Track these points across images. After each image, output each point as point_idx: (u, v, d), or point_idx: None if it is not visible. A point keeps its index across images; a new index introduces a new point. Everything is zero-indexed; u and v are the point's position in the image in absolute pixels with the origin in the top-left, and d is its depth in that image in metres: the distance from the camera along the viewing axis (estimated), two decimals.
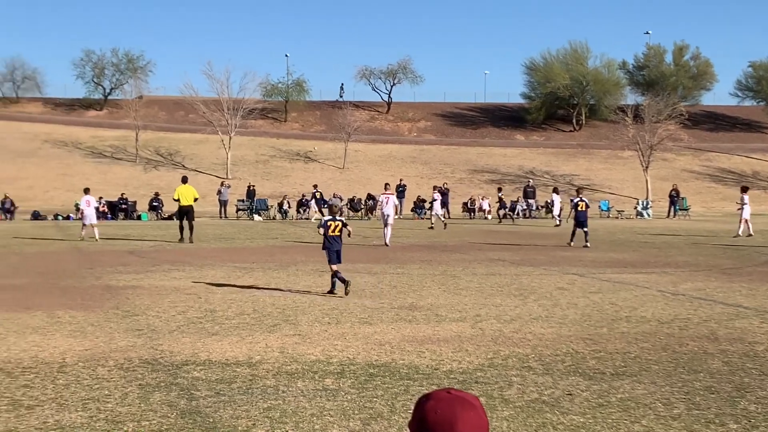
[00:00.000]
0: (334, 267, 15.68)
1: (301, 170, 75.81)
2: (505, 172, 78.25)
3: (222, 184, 54.31)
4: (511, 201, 56.37)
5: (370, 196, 53.61)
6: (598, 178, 76.90)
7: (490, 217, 49.07)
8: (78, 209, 31.93)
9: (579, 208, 27.70)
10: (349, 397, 7.97)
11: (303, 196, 52.35)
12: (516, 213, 53.73)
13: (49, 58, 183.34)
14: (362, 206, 53.54)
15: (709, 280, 17.94)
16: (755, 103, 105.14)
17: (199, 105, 76.88)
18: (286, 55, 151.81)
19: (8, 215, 48.50)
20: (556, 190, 46.76)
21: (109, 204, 50.57)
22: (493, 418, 7.13)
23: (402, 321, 12.42)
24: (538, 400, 7.91)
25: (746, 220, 32.58)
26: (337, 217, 16.24)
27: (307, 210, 49.76)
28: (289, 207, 51.58)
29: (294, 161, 79.18)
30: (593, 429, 7.05)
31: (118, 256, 23.68)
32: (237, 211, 52.53)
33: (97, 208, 36.23)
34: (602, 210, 55.25)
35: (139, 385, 8.49)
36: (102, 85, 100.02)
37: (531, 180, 61.44)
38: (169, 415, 7.40)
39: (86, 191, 32.41)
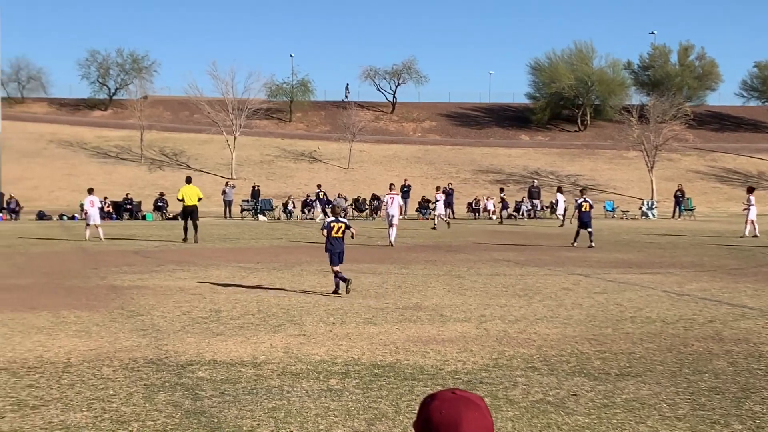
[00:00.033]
0: (335, 268, 15.72)
1: (305, 170, 75.83)
2: (509, 172, 78.21)
3: (227, 185, 54.32)
4: (516, 201, 56.37)
5: (374, 197, 53.60)
6: (603, 178, 76.81)
7: (494, 217, 49.02)
8: (83, 209, 31.98)
9: (583, 209, 27.68)
10: (353, 398, 7.97)
11: (308, 196, 52.35)
12: (521, 213, 53.75)
13: (54, 59, 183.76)
14: (367, 206, 53.54)
15: (714, 280, 17.92)
16: (760, 104, 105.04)
17: (203, 105, 76.93)
18: (291, 56, 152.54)
19: (13, 215, 48.59)
20: (560, 190, 46.73)
21: (114, 204, 50.66)
22: (497, 419, 7.13)
23: (406, 321, 12.42)
24: (542, 400, 7.91)
25: (752, 221, 32.53)
26: (341, 219, 16.28)
27: (312, 210, 49.77)
28: (294, 207, 51.60)
29: (298, 161, 79.19)
30: (598, 429, 7.04)
31: (122, 256, 23.70)
32: (242, 212, 52.59)
33: (101, 209, 36.31)
34: (607, 210, 55.19)
35: (144, 385, 8.49)
36: (107, 85, 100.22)
37: (536, 180, 61.44)
38: (173, 415, 7.41)
39: (90, 191, 32.48)
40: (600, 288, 16.45)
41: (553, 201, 46.37)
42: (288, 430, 7.00)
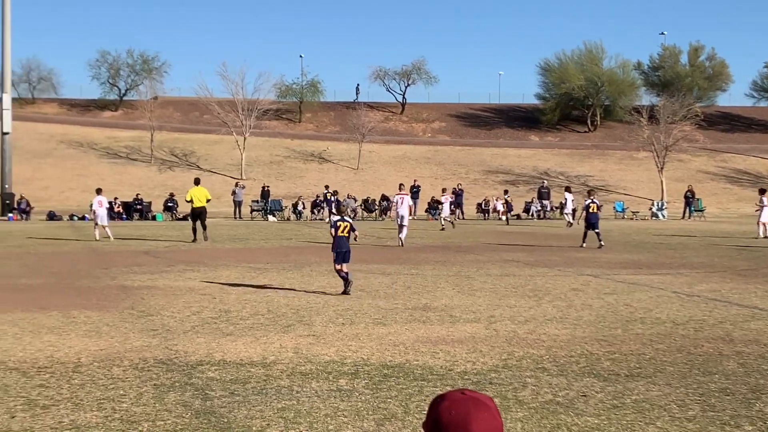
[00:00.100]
0: (337, 267, 15.79)
1: (315, 171, 75.87)
2: (519, 173, 78.13)
3: (236, 185, 54.39)
4: (525, 202, 56.32)
5: (384, 197, 53.58)
6: (613, 179, 76.65)
7: (504, 218, 48.93)
8: (92, 209, 32.11)
9: (590, 210, 27.65)
10: (363, 398, 7.98)
11: (317, 196, 52.36)
12: (530, 214, 53.68)
13: (64, 60, 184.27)
14: (376, 207, 53.54)
15: (725, 281, 17.87)
16: None
17: (213, 106, 77.02)
18: (301, 56, 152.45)
19: (24, 215, 48.73)
20: (568, 189, 46.63)
21: (125, 204, 50.78)
22: (507, 419, 7.12)
23: (416, 322, 12.42)
24: (552, 401, 7.90)
25: (764, 223, 32.41)
26: (346, 218, 16.36)
27: (322, 211, 49.78)
28: (304, 208, 51.61)
29: (308, 162, 79.24)
30: (608, 430, 7.04)
31: (133, 257, 23.75)
32: (251, 212, 52.64)
33: (110, 209, 36.39)
34: (617, 211, 55.08)
35: (154, 385, 8.51)
36: (117, 86, 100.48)
37: (545, 181, 61.33)
38: (183, 415, 7.42)
39: (98, 191, 32.62)
40: (610, 289, 16.43)
41: (563, 201, 46.25)
42: (297, 430, 7.01)
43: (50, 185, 65.48)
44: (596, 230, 27.31)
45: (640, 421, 7.27)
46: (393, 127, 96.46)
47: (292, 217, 51.26)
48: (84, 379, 8.80)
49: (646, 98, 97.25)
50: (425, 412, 2.75)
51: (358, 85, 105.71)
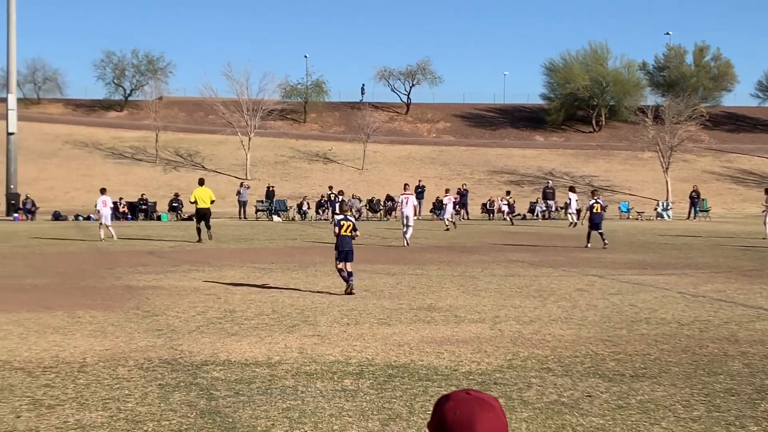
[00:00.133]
0: (339, 265, 15.82)
1: (320, 171, 75.90)
2: (524, 173, 78.08)
3: (241, 185, 54.44)
4: (530, 202, 56.28)
5: (389, 197, 53.60)
6: (618, 179, 76.59)
7: (507, 218, 48.89)
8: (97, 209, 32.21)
9: (594, 210, 27.64)
10: (368, 398, 7.98)
11: (322, 197, 52.37)
12: (535, 214, 53.66)
13: (69, 60, 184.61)
14: (381, 207, 53.55)
15: (730, 281, 17.85)
16: None
17: (218, 106, 77.07)
18: (305, 56, 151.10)
19: (29, 216, 48.81)
20: (572, 189, 46.59)
21: (130, 204, 50.84)
22: (512, 420, 7.12)
23: (421, 322, 12.42)
24: (557, 401, 7.90)
25: None
26: (349, 217, 16.40)
27: (327, 211, 49.78)
28: (309, 208, 51.63)
29: (313, 162, 79.28)
30: (612, 431, 7.03)
31: (138, 257, 23.78)
32: (256, 212, 52.67)
33: (115, 209, 36.42)
34: (622, 211, 55.06)
35: (159, 385, 8.52)
36: (122, 86, 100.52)
37: (550, 181, 61.28)
38: (188, 415, 7.43)
39: (103, 191, 32.72)
40: (615, 289, 16.41)
41: (567, 201, 46.21)
42: (302, 430, 7.01)
43: (55, 185, 65.59)
44: (599, 231, 27.29)
45: (645, 422, 7.26)
46: (398, 128, 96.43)
47: (297, 217, 51.29)
48: (89, 378, 8.81)
49: (651, 98, 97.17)
50: (430, 412, 2.75)
51: (363, 85, 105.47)
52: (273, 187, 56.83)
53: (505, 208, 49.32)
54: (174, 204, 51.15)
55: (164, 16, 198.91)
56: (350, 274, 15.72)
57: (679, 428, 7.11)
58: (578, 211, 43.47)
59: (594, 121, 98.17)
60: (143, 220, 49.60)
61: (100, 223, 31.40)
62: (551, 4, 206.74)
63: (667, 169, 66.73)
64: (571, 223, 42.16)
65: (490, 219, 52.76)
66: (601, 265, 21.51)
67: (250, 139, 73.98)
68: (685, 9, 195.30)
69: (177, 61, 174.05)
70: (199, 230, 29.83)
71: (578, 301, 14.71)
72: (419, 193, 51.53)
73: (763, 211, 33.56)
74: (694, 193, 54.61)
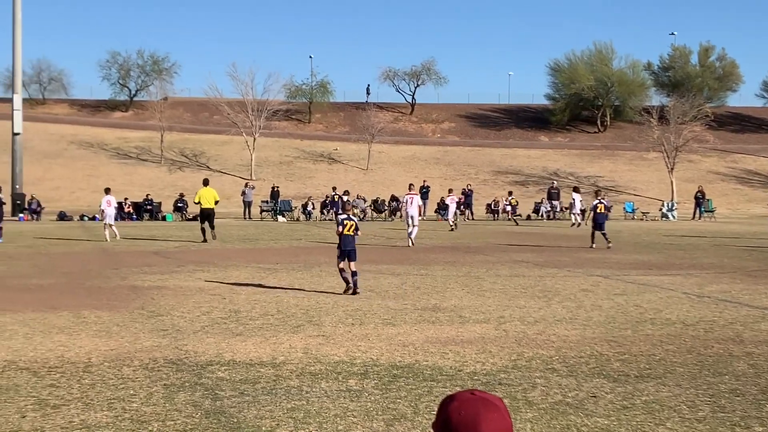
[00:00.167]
0: (341, 265, 15.85)
1: (325, 171, 75.92)
2: (528, 173, 78.05)
3: (246, 185, 54.46)
4: (535, 202, 56.23)
5: (393, 198, 53.60)
6: (623, 179, 76.52)
7: (514, 219, 48.82)
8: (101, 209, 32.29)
9: (598, 210, 27.63)
10: (372, 398, 7.99)
11: (327, 197, 52.38)
12: (540, 214, 53.62)
13: (75, 60, 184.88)
14: (386, 207, 53.55)
15: (735, 282, 17.82)
16: None
17: (223, 106, 77.14)
18: (310, 57, 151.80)
19: (35, 216, 48.88)
20: (576, 190, 46.52)
21: (135, 205, 50.91)
22: (516, 420, 7.12)
23: (425, 322, 12.42)
24: (562, 402, 7.90)
25: None
26: (352, 216, 16.48)
27: (331, 211, 49.77)
28: (313, 208, 51.65)
29: (318, 162, 79.30)
30: (617, 431, 7.03)
31: (143, 257, 23.81)
32: (261, 212, 52.70)
33: (120, 209, 36.45)
34: (627, 212, 54.99)
35: (164, 385, 8.53)
36: (127, 87, 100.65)
37: (555, 181, 61.24)
38: (193, 414, 7.44)
39: (107, 191, 32.80)
40: (620, 289, 16.40)
41: (571, 201, 46.12)
42: (307, 430, 7.02)
43: (61, 185, 65.69)
44: (602, 231, 27.27)
45: (650, 422, 7.26)
46: (402, 128, 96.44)
47: (302, 217, 51.29)
48: (94, 378, 8.83)
49: (656, 99, 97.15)
50: (435, 413, 2.76)
51: (368, 85, 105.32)
52: (278, 187, 56.83)
53: (509, 209, 49.30)
54: (179, 204, 51.19)
55: (169, 16, 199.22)
56: (354, 273, 15.74)
57: (684, 429, 7.11)
58: (583, 211, 43.41)
59: (599, 122, 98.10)
60: (148, 220, 49.66)
61: (105, 224, 31.45)
62: (556, 4, 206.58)
63: (672, 169, 66.68)
64: (574, 223, 42.12)
65: (494, 219, 52.72)
66: (606, 265, 21.49)
67: (254, 139, 74.03)
68: (689, 9, 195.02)
69: (182, 61, 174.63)
70: (203, 230, 29.87)
71: (583, 301, 14.70)
72: (424, 193, 51.46)
73: None
74: (699, 194, 54.54)
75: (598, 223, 27.46)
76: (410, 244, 28.11)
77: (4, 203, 31.17)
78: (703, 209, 53.79)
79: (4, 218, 30.30)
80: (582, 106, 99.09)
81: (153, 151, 78.44)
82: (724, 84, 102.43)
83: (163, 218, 50.38)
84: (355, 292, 15.47)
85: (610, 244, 26.85)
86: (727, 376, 8.97)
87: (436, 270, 20.26)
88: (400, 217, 48.16)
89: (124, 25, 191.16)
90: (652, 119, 68.81)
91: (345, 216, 16.45)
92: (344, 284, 15.74)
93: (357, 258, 16.11)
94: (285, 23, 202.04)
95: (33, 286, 16.88)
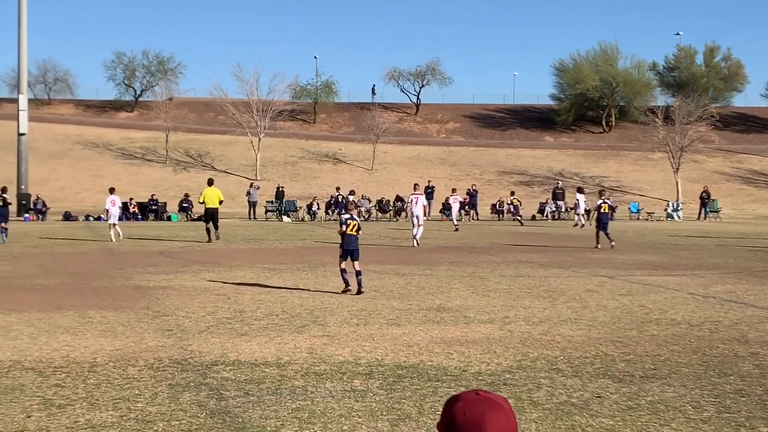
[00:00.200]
0: (343, 265, 15.90)
1: (329, 171, 75.94)
2: (533, 173, 77.99)
3: (251, 186, 54.52)
4: (540, 203, 56.19)
5: (398, 198, 53.61)
6: (628, 179, 76.44)
7: (518, 219, 48.81)
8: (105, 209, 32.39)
9: (602, 210, 27.66)
10: (377, 398, 7.99)
11: (332, 197, 52.39)
12: (545, 215, 53.58)
13: (80, 61, 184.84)
14: (390, 208, 53.55)
15: (740, 282, 17.80)
16: None
17: (228, 107, 77.18)
18: (315, 57, 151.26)
19: (40, 216, 48.96)
20: (580, 190, 46.48)
21: (140, 205, 50.97)
22: (521, 420, 7.12)
23: (430, 322, 12.42)
24: (566, 402, 7.89)
25: None
26: (355, 216, 16.55)
27: (336, 211, 49.79)
28: (318, 208, 51.66)
29: (323, 162, 79.33)
30: None
31: (148, 257, 23.84)
32: (266, 213, 52.70)
33: (125, 209, 36.47)
34: (632, 212, 54.94)
35: (169, 384, 8.55)
36: (133, 87, 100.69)
37: (560, 182, 61.19)
38: (198, 414, 7.45)
39: (111, 191, 32.92)
40: (625, 290, 16.39)
41: (576, 202, 46.06)
42: (312, 430, 7.02)
43: (66, 186, 65.80)
44: (605, 231, 27.27)
45: (655, 423, 7.25)
46: (407, 128, 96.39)
47: (307, 217, 51.32)
48: (99, 378, 8.84)
49: (661, 99, 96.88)
50: (439, 413, 2.76)
51: (374, 86, 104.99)
52: (283, 187, 56.89)
53: (512, 209, 49.26)
54: (184, 204, 51.24)
55: (175, 17, 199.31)
56: (359, 273, 15.76)
57: (689, 429, 7.10)
58: (588, 211, 43.37)
59: (604, 122, 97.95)
60: (153, 220, 49.70)
61: (110, 224, 31.51)
62: (561, 4, 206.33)
63: (677, 169, 66.58)
64: (576, 223, 42.09)
65: (499, 219, 52.69)
66: (611, 265, 21.48)
67: (260, 139, 74.06)
68: (695, 9, 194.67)
69: (187, 61, 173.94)
70: (208, 230, 29.96)
71: (588, 301, 14.69)
72: (429, 193, 51.51)
73: None
74: (704, 194, 54.49)
75: (602, 222, 27.49)
76: (415, 244, 28.12)
77: (10, 203, 31.22)
78: (708, 209, 53.73)
79: (9, 219, 30.32)
80: (587, 107, 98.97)
81: (158, 151, 78.53)
82: (729, 84, 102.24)
83: (168, 218, 50.42)
84: (359, 292, 15.48)
85: (613, 243, 26.87)
86: (732, 377, 8.96)
87: (441, 270, 20.26)
88: (405, 217, 48.20)
89: (129, 25, 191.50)
90: (657, 119, 68.71)
91: (348, 216, 16.49)
92: (344, 285, 15.80)
93: (360, 257, 16.13)
94: (290, 23, 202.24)
95: (38, 286, 16.91)
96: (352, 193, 50.48)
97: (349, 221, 16.18)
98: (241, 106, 76.91)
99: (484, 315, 13.14)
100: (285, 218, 50.38)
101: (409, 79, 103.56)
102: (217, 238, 29.69)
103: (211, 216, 30.05)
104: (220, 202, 30.60)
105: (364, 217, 50.35)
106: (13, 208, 53.07)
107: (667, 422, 7.27)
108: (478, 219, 52.30)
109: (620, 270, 20.32)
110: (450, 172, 76.31)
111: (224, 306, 14.05)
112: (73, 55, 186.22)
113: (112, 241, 30.06)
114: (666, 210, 54.74)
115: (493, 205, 55.65)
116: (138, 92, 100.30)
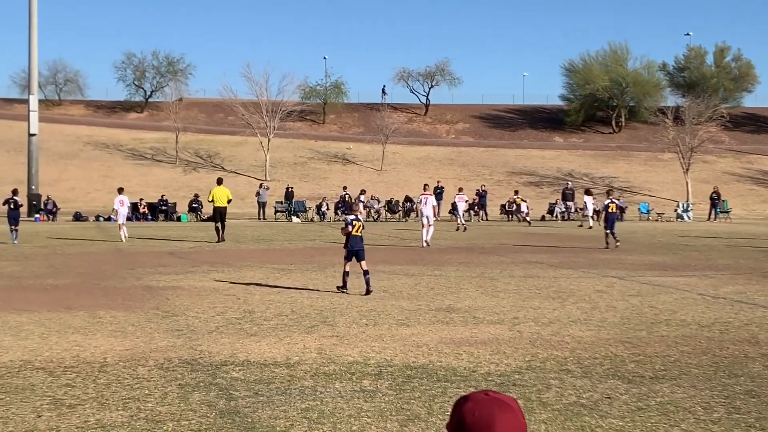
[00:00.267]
0: (347, 267, 15.92)
1: (339, 172, 75.97)
2: (543, 174, 77.90)
3: (261, 186, 54.63)
4: (549, 203, 56.13)
5: (407, 198, 53.62)
6: (638, 180, 76.30)
7: (528, 219, 48.83)
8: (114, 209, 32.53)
9: (610, 210, 27.65)
10: (386, 399, 7.99)
11: (341, 197, 52.43)
12: (554, 215, 53.52)
13: (90, 61, 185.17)
14: (400, 208, 53.56)
15: (750, 283, 17.75)
16: None
17: (238, 107, 77.29)
18: (325, 58, 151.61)
19: (50, 216, 49.12)
20: (588, 192, 46.40)
21: (150, 205, 51.10)
22: (531, 421, 7.11)
23: (439, 323, 12.42)
24: (576, 403, 7.88)
25: None
26: (359, 217, 16.61)
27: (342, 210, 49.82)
28: (327, 209, 51.71)
29: (332, 163, 79.38)
30: None
31: (158, 257, 23.88)
32: (275, 213, 52.78)
33: (134, 209, 36.54)
34: (642, 213, 54.84)
35: (179, 384, 8.56)
36: (143, 88, 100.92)
37: (570, 182, 61.10)
38: (208, 414, 7.46)
39: (120, 191, 33.07)
40: (634, 291, 16.35)
41: (584, 203, 46.02)
42: (321, 430, 7.03)
43: (76, 186, 65.98)
44: (611, 231, 27.23)
45: (665, 424, 7.24)
46: (416, 129, 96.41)
47: (316, 218, 51.38)
48: (110, 378, 8.86)
49: (671, 99, 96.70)
50: (449, 413, 2.76)
51: (384, 86, 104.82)
52: (292, 188, 56.97)
53: (525, 208, 49.18)
54: (194, 205, 51.37)
55: (184, 17, 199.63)
56: (366, 272, 15.78)
57: (699, 430, 7.09)
58: (597, 212, 43.31)
59: (614, 122, 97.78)
60: (163, 220, 49.83)
61: (120, 224, 31.62)
62: (571, 4, 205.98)
63: (687, 170, 66.43)
64: (582, 224, 42.03)
65: (509, 220, 52.63)
66: (621, 266, 21.43)
67: (269, 140, 74.14)
68: (705, 10, 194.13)
69: (197, 62, 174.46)
70: (218, 230, 30.08)
71: (598, 302, 14.67)
72: (438, 194, 51.49)
73: None
74: (714, 195, 54.36)
75: (609, 221, 27.48)
76: (424, 244, 28.11)
77: (21, 205, 31.31)
78: (718, 210, 53.60)
79: (20, 220, 30.37)
80: (597, 107, 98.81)
81: (168, 151, 78.69)
82: (739, 84, 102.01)
83: (178, 219, 50.55)
84: (368, 292, 15.50)
85: (618, 243, 26.89)
86: (742, 378, 8.94)
87: (450, 271, 20.25)
88: (415, 217, 48.21)
89: (139, 26, 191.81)
90: (667, 120, 68.58)
91: (353, 216, 16.54)
92: (343, 284, 15.91)
93: (369, 258, 16.15)
94: (299, 24, 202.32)
95: (49, 286, 16.96)
96: (363, 192, 50.54)
97: (354, 222, 16.23)
98: (250, 107, 77.00)
99: (493, 315, 13.13)
100: (294, 219, 50.44)
101: (418, 80, 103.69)
102: (223, 239, 29.77)
103: (220, 215, 30.22)
104: (229, 201, 30.81)
105: (373, 217, 50.38)
106: (23, 209, 53.35)
107: (677, 423, 7.26)
108: (487, 219, 52.27)
109: (630, 271, 20.28)
110: (459, 173, 76.27)
111: (234, 306, 14.07)
112: (83, 56, 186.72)
113: (121, 241, 30.14)
114: (676, 210, 54.63)
115: (503, 206, 55.61)
116: (148, 93, 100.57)
